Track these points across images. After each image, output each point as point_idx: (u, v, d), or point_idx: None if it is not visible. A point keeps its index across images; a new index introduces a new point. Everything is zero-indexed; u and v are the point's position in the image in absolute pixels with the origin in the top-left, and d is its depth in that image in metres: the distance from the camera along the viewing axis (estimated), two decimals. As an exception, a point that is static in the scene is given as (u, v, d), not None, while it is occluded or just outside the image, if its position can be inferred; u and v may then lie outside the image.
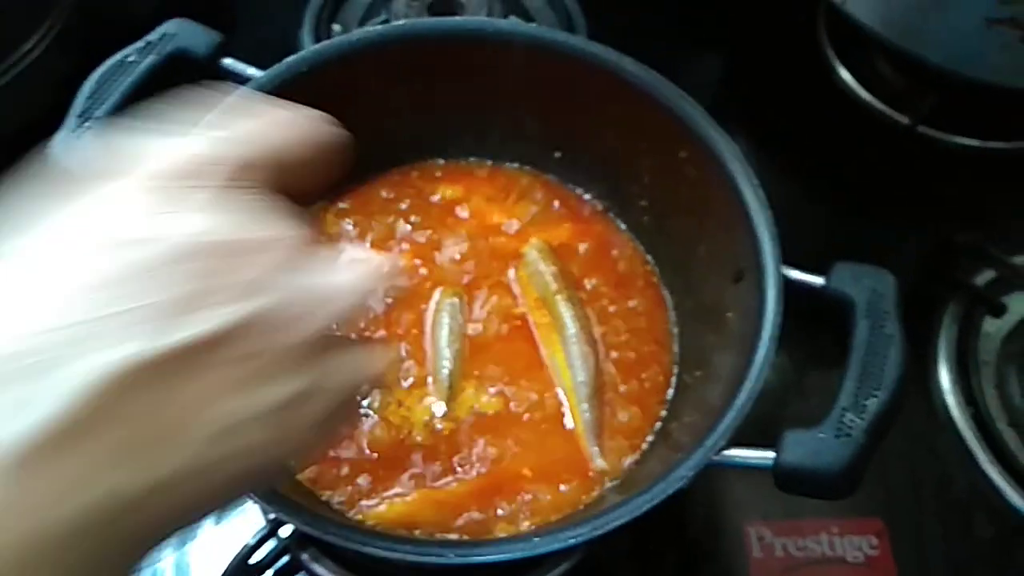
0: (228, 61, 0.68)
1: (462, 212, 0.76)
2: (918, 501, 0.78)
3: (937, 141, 0.96)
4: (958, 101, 0.92)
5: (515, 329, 0.70)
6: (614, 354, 0.70)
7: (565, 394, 0.67)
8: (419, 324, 0.70)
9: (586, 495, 0.64)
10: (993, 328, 0.85)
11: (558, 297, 0.70)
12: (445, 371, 0.67)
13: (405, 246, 0.74)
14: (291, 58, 0.67)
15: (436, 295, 0.71)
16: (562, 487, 0.64)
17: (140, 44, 0.66)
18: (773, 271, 0.59)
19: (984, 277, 0.87)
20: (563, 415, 0.67)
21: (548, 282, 0.71)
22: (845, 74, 1.01)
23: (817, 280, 0.60)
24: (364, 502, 0.62)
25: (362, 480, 0.63)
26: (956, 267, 0.88)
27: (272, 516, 0.69)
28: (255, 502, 0.52)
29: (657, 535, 0.75)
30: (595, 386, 0.67)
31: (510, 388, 0.67)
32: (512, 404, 0.67)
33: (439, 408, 0.66)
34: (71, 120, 0.62)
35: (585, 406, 0.66)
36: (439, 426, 0.65)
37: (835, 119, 1.00)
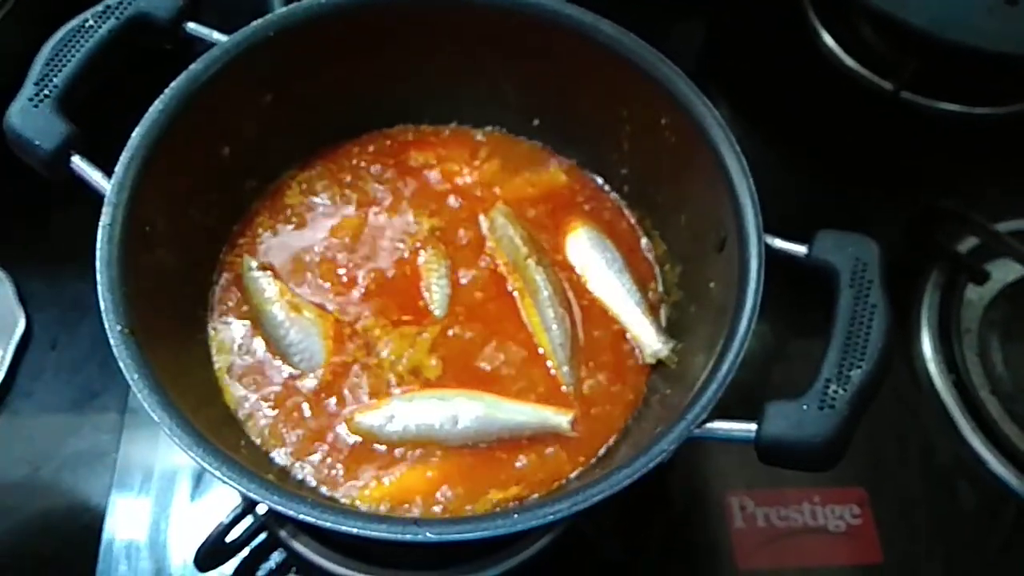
0: (192, 26, 0.66)
1: (436, 176, 0.74)
2: (900, 470, 0.78)
3: (920, 107, 0.95)
4: (941, 66, 0.92)
5: (497, 289, 0.70)
6: (599, 326, 0.69)
7: (547, 356, 0.66)
8: (408, 285, 0.69)
9: (573, 464, 0.63)
10: (976, 296, 0.85)
11: (529, 261, 0.69)
12: (440, 322, 0.67)
13: (377, 210, 0.72)
14: (257, 22, 0.65)
15: (422, 256, 0.70)
16: (547, 451, 0.63)
17: (99, 8, 0.63)
18: (755, 239, 0.58)
19: (967, 244, 0.87)
20: (547, 377, 0.66)
21: (518, 246, 0.70)
22: (828, 40, 1.00)
23: (800, 249, 0.59)
24: (352, 483, 0.61)
25: (346, 461, 0.62)
26: (939, 234, 0.87)
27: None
28: (228, 483, 0.50)
29: (641, 505, 0.75)
30: (574, 348, 0.67)
31: (495, 347, 0.67)
32: (497, 364, 0.66)
33: (434, 362, 0.65)
34: (28, 87, 0.60)
35: (566, 368, 0.66)
36: (432, 376, 0.65)
37: (818, 85, 0.99)
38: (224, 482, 0.50)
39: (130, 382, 0.52)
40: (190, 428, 0.51)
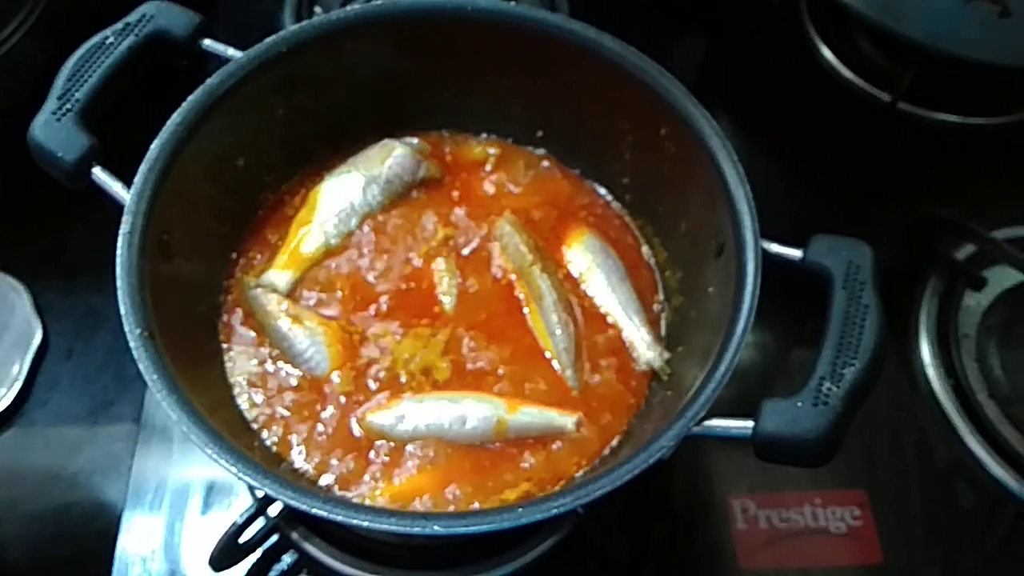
0: (208, 42, 0.68)
1: (444, 186, 0.76)
2: (900, 472, 0.79)
3: (917, 117, 0.97)
4: (937, 78, 0.93)
5: (505, 295, 0.71)
6: (602, 331, 0.70)
7: (552, 360, 0.68)
8: (422, 291, 0.70)
9: (577, 464, 0.64)
10: (973, 301, 0.86)
11: (533, 269, 0.70)
12: (453, 326, 0.69)
13: (386, 219, 0.74)
14: (271, 38, 0.67)
15: (436, 264, 0.71)
16: (553, 451, 0.64)
17: (119, 26, 0.66)
18: (752, 244, 0.59)
19: (964, 251, 0.88)
20: (552, 380, 0.67)
21: (523, 253, 0.71)
22: (826, 52, 1.02)
23: (795, 253, 0.60)
24: (364, 481, 0.63)
25: (358, 462, 0.64)
26: (937, 241, 0.88)
27: (261, 494, 0.69)
28: (244, 479, 0.52)
29: (644, 508, 0.76)
30: (578, 352, 0.68)
31: (503, 350, 0.68)
32: (504, 367, 0.67)
33: (445, 364, 0.67)
34: (51, 102, 0.62)
35: (570, 372, 0.67)
36: (441, 378, 0.66)
37: (817, 97, 1.01)
38: (240, 478, 0.52)
39: (149, 383, 0.54)
40: (206, 427, 0.53)
